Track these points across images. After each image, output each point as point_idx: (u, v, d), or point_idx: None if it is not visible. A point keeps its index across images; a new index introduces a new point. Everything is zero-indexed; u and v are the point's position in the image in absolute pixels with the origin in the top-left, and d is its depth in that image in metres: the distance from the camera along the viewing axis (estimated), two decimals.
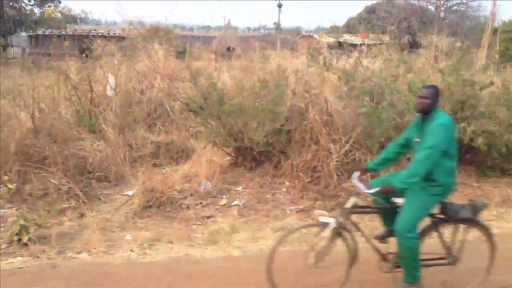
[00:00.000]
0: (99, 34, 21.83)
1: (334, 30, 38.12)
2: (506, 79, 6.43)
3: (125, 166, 5.62)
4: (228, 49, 22.64)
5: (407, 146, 3.21)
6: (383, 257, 3.19)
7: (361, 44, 9.32)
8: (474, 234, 3.41)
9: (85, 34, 20.71)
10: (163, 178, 5.16)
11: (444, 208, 3.09)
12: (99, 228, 4.36)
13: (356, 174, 3.23)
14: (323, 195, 5.44)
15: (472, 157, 6.39)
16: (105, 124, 6.05)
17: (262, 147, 5.59)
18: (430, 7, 41.96)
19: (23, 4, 23.54)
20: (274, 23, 30.61)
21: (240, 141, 5.70)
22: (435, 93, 3.01)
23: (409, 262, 3.03)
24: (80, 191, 5.02)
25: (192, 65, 7.85)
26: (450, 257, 3.24)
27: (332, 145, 5.61)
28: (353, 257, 3.09)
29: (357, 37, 30.11)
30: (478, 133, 5.77)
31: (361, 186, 3.08)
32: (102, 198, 5.17)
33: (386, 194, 2.99)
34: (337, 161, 5.55)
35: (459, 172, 6.20)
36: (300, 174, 5.63)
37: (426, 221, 3.15)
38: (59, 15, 22.93)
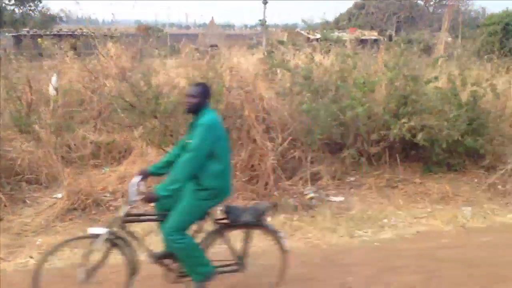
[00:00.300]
0: (84, 33, 21.59)
1: (323, 26, 38.04)
2: (450, 73, 6.30)
3: (58, 167, 5.47)
4: (212, 46, 22.51)
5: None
6: (167, 267, 2.99)
7: (313, 40, 9.23)
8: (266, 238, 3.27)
9: (70, 33, 20.49)
10: (89, 179, 5.01)
11: (227, 212, 2.95)
12: (13, 233, 4.24)
13: (137, 179, 2.91)
14: (258, 194, 5.33)
15: (420, 153, 6.28)
16: (42, 125, 5.90)
17: None
18: (419, 1, 41.89)
19: (3, 4, 23.33)
20: (260, 20, 30.18)
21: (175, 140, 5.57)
22: (203, 92, 2.87)
23: (190, 263, 2.88)
24: (5, 194, 4.89)
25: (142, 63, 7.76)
26: (239, 263, 3.07)
27: (269, 144, 5.50)
28: (133, 268, 2.89)
29: (346, 33, 29.99)
30: (418, 128, 5.67)
31: (131, 192, 2.80)
32: (28, 201, 5.03)
33: (150, 202, 2.81)
34: (274, 160, 5.44)
35: (404, 168, 6.15)
36: (237, 173, 5.51)
37: (211, 227, 3.00)
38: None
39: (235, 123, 5.55)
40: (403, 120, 5.69)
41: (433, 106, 5.77)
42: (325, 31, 6.98)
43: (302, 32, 30.43)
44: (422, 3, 41.72)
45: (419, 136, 5.59)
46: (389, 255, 3.81)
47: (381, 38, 30.08)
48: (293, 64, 7.34)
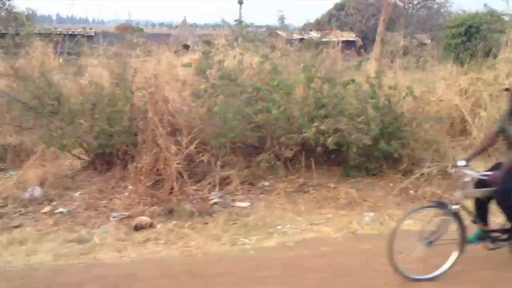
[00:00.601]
0: (62, 33, 21.13)
1: (303, 27, 38.12)
2: (368, 75, 6.19)
3: None
4: (185, 46, 22.28)
5: None
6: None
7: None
8: None
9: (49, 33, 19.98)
10: None
11: None
12: None
13: None
14: (158, 199, 5.14)
15: (342, 157, 6.15)
16: None
17: (97, 149, 5.27)
18: (399, 3, 42.08)
19: None
20: (235, 20, 29.92)
21: (77, 143, 5.37)
22: None
23: None
24: None
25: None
26: None
27: (173, 147, 5.31)
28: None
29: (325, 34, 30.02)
30: (331, 132, 5.55)
31: None
32: None
33: None
34: (178, 164, 5.25)
35: (323, 172, 6.02)
36: (141, 177, 5.31)
37: None
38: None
39: (138, 126, 5.37)
40: (315, 124, 5.56)
41: (346, 109, 5.66)
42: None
43: (279, 32, 30.42)
44: (401, 4, 41.96)
45: (329, 140, 5.47)
46: (260, 264, 3.65)
47: (359, 39, 30.23)
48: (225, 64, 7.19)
